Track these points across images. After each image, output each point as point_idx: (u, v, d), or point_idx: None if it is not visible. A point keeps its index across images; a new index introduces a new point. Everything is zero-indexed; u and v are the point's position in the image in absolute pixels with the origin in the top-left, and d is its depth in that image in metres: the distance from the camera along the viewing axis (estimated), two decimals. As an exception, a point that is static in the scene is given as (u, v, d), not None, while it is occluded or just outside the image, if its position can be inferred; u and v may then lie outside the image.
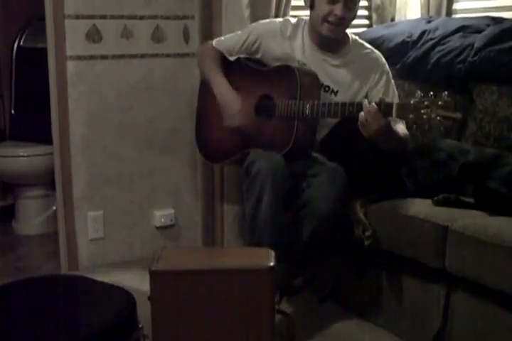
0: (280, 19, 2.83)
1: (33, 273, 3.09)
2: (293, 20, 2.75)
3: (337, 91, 2.66)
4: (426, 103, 2.20)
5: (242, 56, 2.83)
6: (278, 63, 2.70)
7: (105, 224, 3.22)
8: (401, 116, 2.32)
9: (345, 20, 2.57)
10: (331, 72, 2.67)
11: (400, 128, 2.52)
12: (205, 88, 2.96)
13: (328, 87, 2.66)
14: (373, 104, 2.32)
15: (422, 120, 2.21)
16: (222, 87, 2.79)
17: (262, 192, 2.43)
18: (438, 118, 2.18)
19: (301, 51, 2.69)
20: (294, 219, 2.53)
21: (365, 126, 2.34)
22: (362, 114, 2.34)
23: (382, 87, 2.66)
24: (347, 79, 2.66)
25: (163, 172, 3.34)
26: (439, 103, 2.19)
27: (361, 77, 2.66)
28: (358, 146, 2.60)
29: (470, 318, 2.27)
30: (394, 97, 2.66)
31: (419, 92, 2.25)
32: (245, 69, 2.81)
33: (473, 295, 2.25)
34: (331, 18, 2.55)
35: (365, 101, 2.35)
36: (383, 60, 2.72)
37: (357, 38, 2.76)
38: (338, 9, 2.51)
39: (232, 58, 2.84)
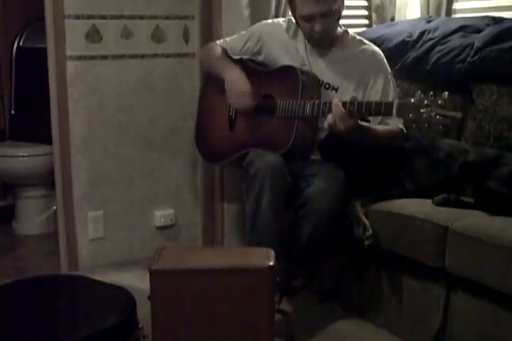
0: (284, 19, 2.87)
1: (33, 273, 3.09)
2: (294, 20, 2.76)
3: (337, 88, 2.68)
4: (426, 102, 2.21)
5: (245, 57, 2.85)
6: (280, 64, 2.72)
7: (105, 224, 3.22)
8: (401, 115, 2.34)
9: (329, 28, 2.62)
10: (331, 68, 2.70)
11: (393, 125, 2.56)
12: (207, 87, 2.96)
13: (329, 84, 2.69)
14: (340, 105, 2.37)
15: (421, 119, 2.22)
16: (234, 71, 2.76)
17: (261, 192, 2.43)
18: (437, 117, 2.19)
19: (304, 49, 2.73)
20: (294, 219, 2.53)
21: (333, 126, 2.40)
22: (330, 115, 2.40)
23: (381, 82, 2.68)
24: (347, 75, 2.68)
25: (163, 172, 3.34)
26: (439, 102, 2.20)
27: (361, 72, 2.68)
28: (357, 147, 2.60)
29: (470, 318, 2.27)
30: (393, 92, 2.69)
31: (419, 92, 2.25)
32: (248, 69, 2.81)
33: (473, 295, 2.25)
34: (315, 34, 2.61)
35: (335, 101, 2.40)
36: (382, 55, 2.75)
37: (355, 35, 2.80)
38: (316, 26, 2.58)
39: (235, 57, 2.85)
